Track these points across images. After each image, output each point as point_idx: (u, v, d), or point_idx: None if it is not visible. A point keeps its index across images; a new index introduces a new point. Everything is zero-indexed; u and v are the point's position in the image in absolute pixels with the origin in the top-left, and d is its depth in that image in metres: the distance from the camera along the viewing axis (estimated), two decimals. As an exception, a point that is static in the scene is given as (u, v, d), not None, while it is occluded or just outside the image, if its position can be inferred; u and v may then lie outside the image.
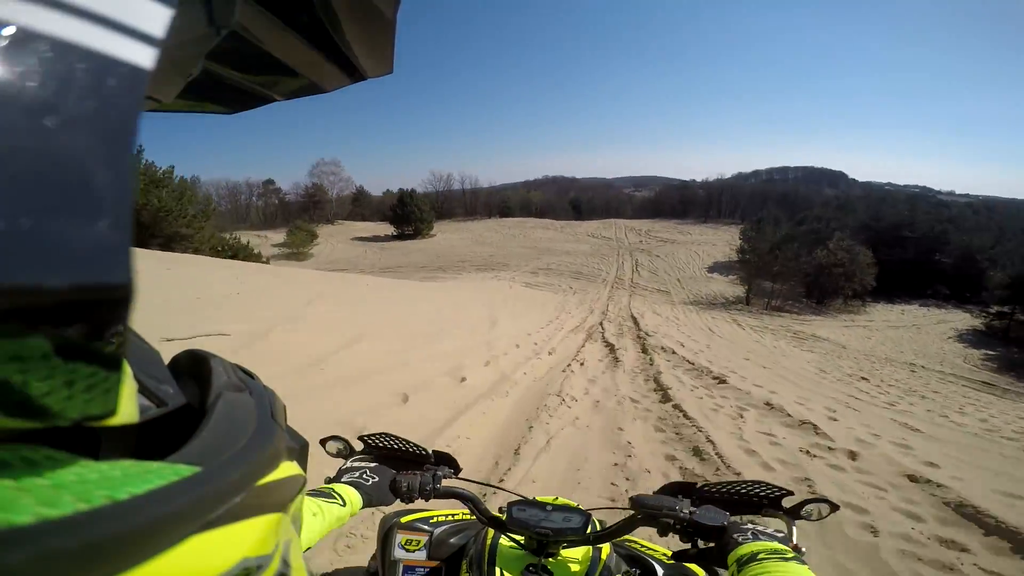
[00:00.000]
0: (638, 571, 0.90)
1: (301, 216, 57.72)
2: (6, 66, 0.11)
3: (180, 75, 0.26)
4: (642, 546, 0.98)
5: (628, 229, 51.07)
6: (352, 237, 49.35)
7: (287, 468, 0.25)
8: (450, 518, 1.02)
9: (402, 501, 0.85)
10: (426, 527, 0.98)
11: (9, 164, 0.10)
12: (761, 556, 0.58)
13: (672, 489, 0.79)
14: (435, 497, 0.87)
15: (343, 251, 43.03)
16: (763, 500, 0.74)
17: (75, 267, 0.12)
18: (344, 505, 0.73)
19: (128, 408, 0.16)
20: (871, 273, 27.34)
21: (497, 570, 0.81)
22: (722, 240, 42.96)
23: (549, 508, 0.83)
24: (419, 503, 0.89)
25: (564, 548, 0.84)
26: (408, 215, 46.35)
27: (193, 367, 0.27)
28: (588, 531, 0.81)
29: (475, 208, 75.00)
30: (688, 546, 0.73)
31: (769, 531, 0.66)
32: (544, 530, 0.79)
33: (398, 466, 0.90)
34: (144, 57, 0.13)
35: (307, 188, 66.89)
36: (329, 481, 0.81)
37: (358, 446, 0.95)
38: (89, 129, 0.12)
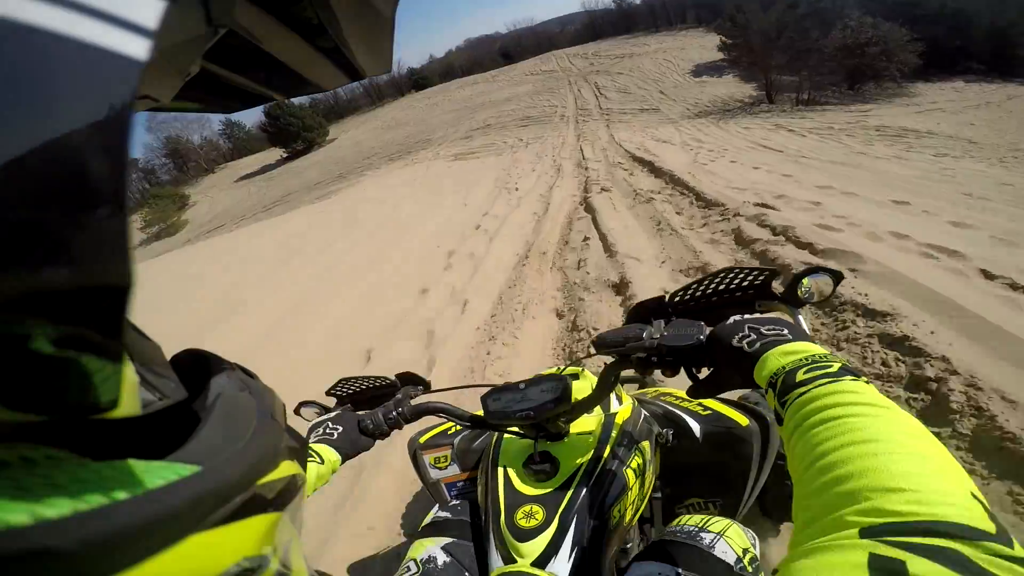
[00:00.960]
0: (671, 431, 0.83)
1: (175, 183, 44.87)
2: None
3: (178, 74, 0.25)
4: (678, 399, 0.89)
5: (571, 56, 40.28)
6: (236, 178, 38.64)
7: (287, 467, 0.25)
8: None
9: (377, 439, 0.79)
10: (445, 441, 0.95)
11: (4, 158, 0.10)
12: (802, 377, 0.40)
13: (641, 312, 0.66)
14: (407, 422, 0.80)
15: (225, 199, 32.87)
16: (747, 291, 0.60)
17: (74, 258, 0.12)
18: (323, 463, 0.69)
19: (130, 401, 0.16)
20: (914, 51, 21.71)
21: (500, 469, 0.76)
22: (691, 45, 33.05)
23: (522, 386, 0.72)
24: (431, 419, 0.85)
25: (568, 423, 0.76)
26: (286, 129, 35.46)
27: (193, 366, 0.26)
28: (571, 397, 0.70)
29: (382, 95, 58.58)
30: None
31: (771, 317, 0.52)
32: (523, 411, 0.70)
33: (373, 404, 0.84)
34: (138, 49, 0.13)
35: (164, 145, 51.62)
36: None
37: (330, 402, 0.89)
38: (83, 121, 0.12)
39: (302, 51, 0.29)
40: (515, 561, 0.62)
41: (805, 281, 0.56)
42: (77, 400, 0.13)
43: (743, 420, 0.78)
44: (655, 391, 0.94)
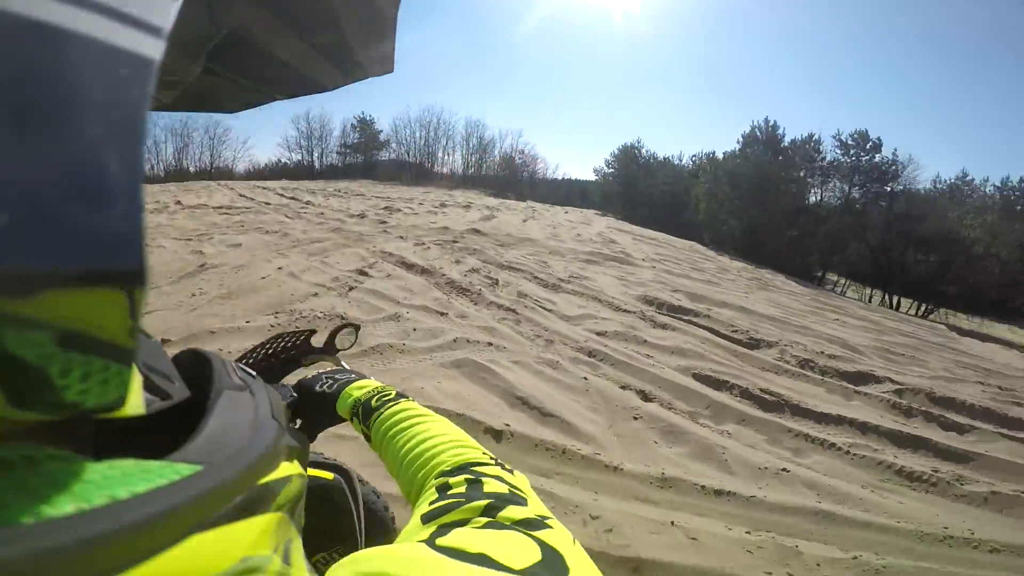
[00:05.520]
0: None
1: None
2: (19, 58, 0.11)
3: (182, 74, 0.26)
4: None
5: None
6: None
7: (288, 468, 0.25)
8: None
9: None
10: None
11: (24, 154, 0.10)
12: (375, 404, 0.51)
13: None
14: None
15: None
16: (294, 351, 0.71)
17: (89, 253, 0.12)
18: None
19: (135, 400, 0.16)
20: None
21: None
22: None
23: None
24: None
25: None
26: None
27: (194, 366, 0.26)
28: None
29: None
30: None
31: (336, 369, 0.64)
32: None
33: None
34: (152, 49, 0.13)
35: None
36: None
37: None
38: (101, 120, 0.12)
39: (304, 51, 0.29)
40: None
41: (340, 336, 0.71)
42: (85, 399, 0.13)
43: (328, 476, 0.81)
44: None
